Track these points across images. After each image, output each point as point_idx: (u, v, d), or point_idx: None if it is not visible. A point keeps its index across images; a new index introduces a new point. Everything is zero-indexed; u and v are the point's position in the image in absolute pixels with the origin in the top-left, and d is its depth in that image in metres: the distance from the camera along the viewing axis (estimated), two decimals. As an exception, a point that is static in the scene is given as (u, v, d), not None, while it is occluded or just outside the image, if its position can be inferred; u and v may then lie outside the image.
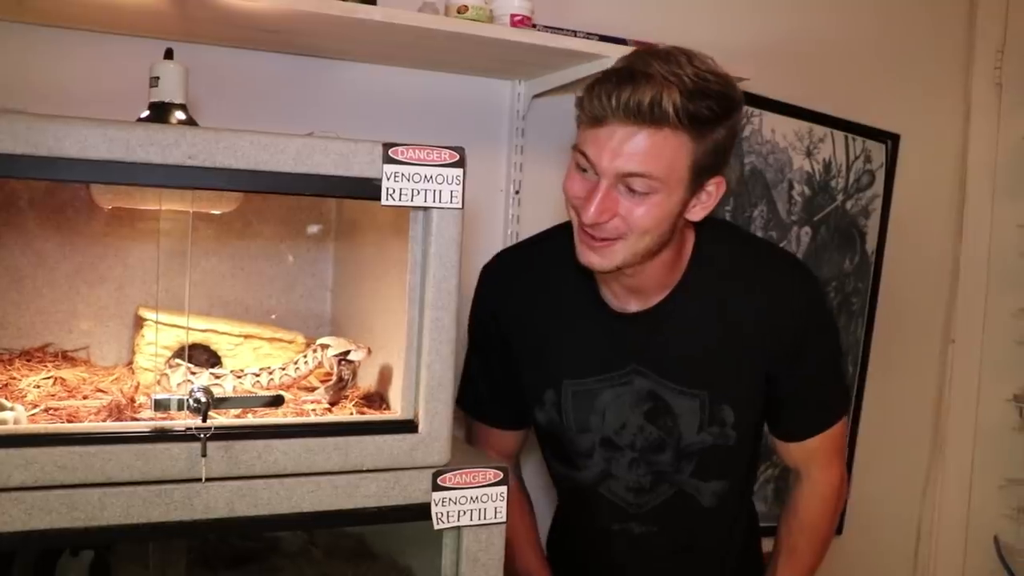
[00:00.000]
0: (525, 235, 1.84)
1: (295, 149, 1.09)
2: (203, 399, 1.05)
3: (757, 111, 2.13)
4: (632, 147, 1.19)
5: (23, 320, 1.44)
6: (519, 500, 1.56)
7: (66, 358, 1.44)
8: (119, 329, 1.48)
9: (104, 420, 1.13)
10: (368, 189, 1.13)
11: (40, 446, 1.01)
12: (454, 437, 1.22)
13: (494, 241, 1.89)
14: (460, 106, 1.85)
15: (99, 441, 1.04)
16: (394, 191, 1.13)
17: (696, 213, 1.29)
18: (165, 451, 1.06)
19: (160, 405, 1.06)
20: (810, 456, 1.48)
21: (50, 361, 1.41)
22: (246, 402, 1.13)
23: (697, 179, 1.24)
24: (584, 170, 1.26)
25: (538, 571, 1.57)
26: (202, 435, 1.05)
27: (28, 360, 1.41)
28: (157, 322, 1.34)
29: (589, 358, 1.41)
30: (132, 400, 1.19)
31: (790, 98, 2.19)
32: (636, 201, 1.22)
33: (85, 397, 1.25)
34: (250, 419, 1.16)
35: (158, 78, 1.26)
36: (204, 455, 1.04)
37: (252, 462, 1.10)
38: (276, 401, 1.12)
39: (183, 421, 1.08)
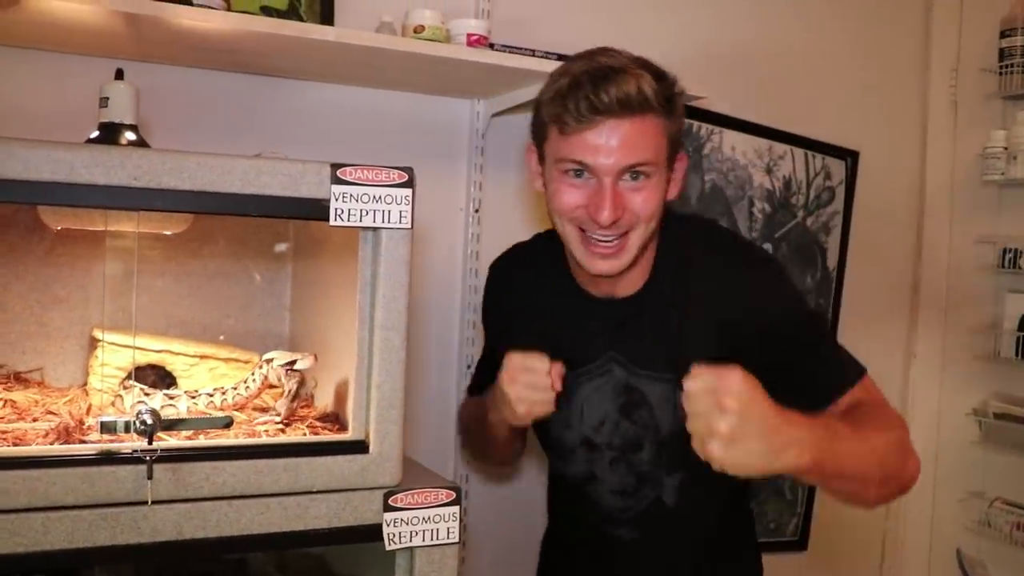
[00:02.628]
0: (485, 254, 1.86)
1: (242, 170, 1.09)
2: (149, 421, 1.05)
3: (717, 129, 2.15)
4: (628, 140, 1.22)
5: None
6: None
7: (19, 380, 1.43)
8: (74, 350, 1.47)
9: (52, 443, 1.12)
10: (317, 210, 1.13)
11: (-20, 470, 1.00)
12: (406, 457, 1.22)
13: (454, 260, 1.89)
14: (419, 125, 1.85)
15: (42, 465, 1.03)
16: (343, 212, 1.13)
17: (673, 190, 1.33)
18: (111, 474, 1.05)
19: (106, 427, 1.06)
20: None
21: (1, 383, 1.40)
22: (194, 424, 1.12)
23: (671, 157, 1.30)
24: (577, 176, 1.27)
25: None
26: (148, 457, 1.04)
27: None
28: (104, 341, 1.33)
29: (572, 350, 1.39)
30: (81, 422, 1.18)
31: (750, 116, 2.21)
32: (636, 190, 1.25)
33: (35, 419, 1.24)
34: (200, 441, 1.15)
35: (108, 98, 1.26)
36: (150, 477, 1.04)
37: (200, 484, 1.09)
38: (225, 423, 1.11)
39: (132, 444, 1.08)
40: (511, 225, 1.91)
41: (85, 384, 1.44)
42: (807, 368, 1.38)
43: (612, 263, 1.29)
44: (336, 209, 1.13)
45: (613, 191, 1.24)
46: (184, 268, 1.53)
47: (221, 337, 1.51)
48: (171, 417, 1.27)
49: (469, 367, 1.87)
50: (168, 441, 1.12)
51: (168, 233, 1.32)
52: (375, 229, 1.16)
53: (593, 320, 1.41)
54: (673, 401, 1.37)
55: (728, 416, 1.05)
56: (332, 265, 1.40)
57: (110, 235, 1.24)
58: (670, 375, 1.37)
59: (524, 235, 1.89)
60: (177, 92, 1.62)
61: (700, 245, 1.41)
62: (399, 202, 1.16)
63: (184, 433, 1.14)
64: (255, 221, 1.53)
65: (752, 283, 1.39)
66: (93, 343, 1.42)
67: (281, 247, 1.60)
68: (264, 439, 1.20)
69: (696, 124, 2.12)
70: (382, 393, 1.18)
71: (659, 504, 1.43)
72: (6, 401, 1.30)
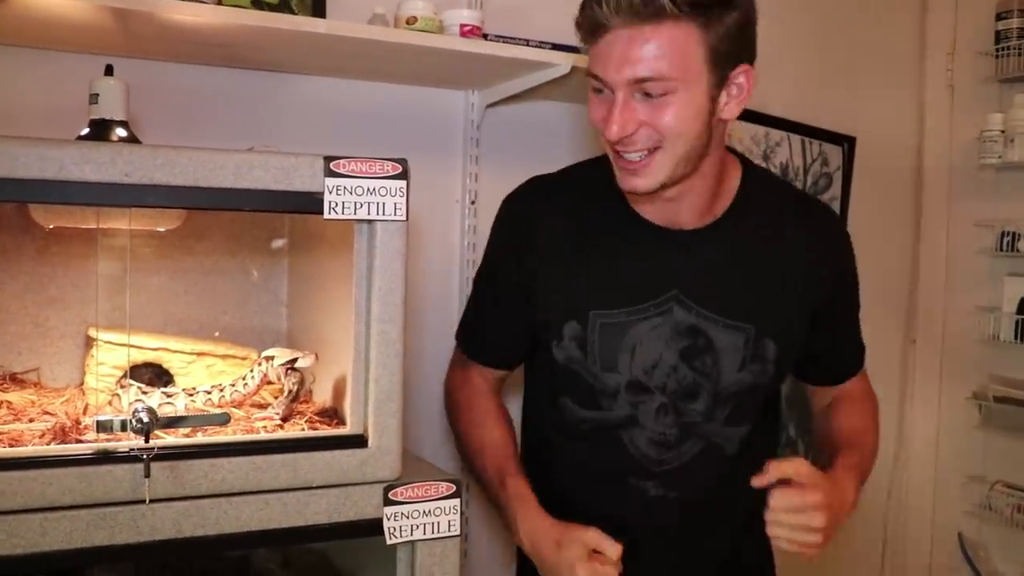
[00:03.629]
0: (482, 246, 1.83)
1: (234, 165, 1.08)
2: (145, 419, 1.04)
3: None
4: (636, 51, 1.12)
5: None
6: (497, 411, 1.45)
7: (15, 380, 1.42)
8: (70, 350, 1.46)
9: (49, 443, 1.11)
10: (310, 203, 1.12)
11: (-24, 472, 0.99)
12: (405, 451, 1.22)
13: (450, 252, 1.88)
14: (413, 117, 1.84)
15: (39, 465, 1.02)
16: (337, 205, 1.12)
17: (731, 109, 1.21)
18: (108, 473, 1.05)
19: (103, 426, 1.05)
20: (845, 392, 1.51)
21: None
22: (191, 421, 1.11)
23: (719, 71, 1.16)
24: (599, 91, 1.20)
25: (514, 475, 1.35)
26: (144, 456, 1.03)
27: None
28: (99, 340, 1.32)
29: (623, 286, 1.30)
30: (77, 422, 1.18)
31: (746, 103, 2.18)
32: (658, 106, 1.15)
33: (31, 420, 1.23)
34: (198, 438, 1.14)
35: (98, 95, 1.25)
36: (147, 476, 1.03)
37: (198, 482, 1.08)
38: (222, 419, 1.11)
39: (128, 442, 1.07)
40: None
41: (82, 384, 1.43)
42: (848, 337, 1.42)
43: (639, 181, 1.20)
44: (330, 202, 1.12)
45: (621, 105, 1.15)
46: (179, 265, 1.52)
47: (216, 334, 1.50)
48: (168, 415, 1.27)
49: None
50: (165, 439, 1.11)
51: (162, 230, 1.31)
52: (370, 222, 1.15)
53: (655, 251, 1.30)
54: (743, 353, 1.31)
55: (819, 532, 1.19)
56: (328, 259, 1.39)
57: (103, 233, 1.23)
58: (743, 323, 1.30)
59: None
60: (168, 88, 1.60)
61: (788, 189, 1.36)
62: (393, 194, 1.15)
63: (182, 431, 1.13)
64: (250, 216, 1.52)
65: (844, 238, 1.38)
66: (89, 342, 1.41)
67: (278, 243, 1.59)
68: (262, 435, 1.19)
69: None
70: (380, 387, 1.17)
71: (701, 460, 1.35)
72: (1, 402, 1.29)
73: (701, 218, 1.30)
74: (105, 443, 1.07)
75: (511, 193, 1.43)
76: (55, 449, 1.06)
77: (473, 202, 1.88)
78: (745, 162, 1.37)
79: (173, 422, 1.08)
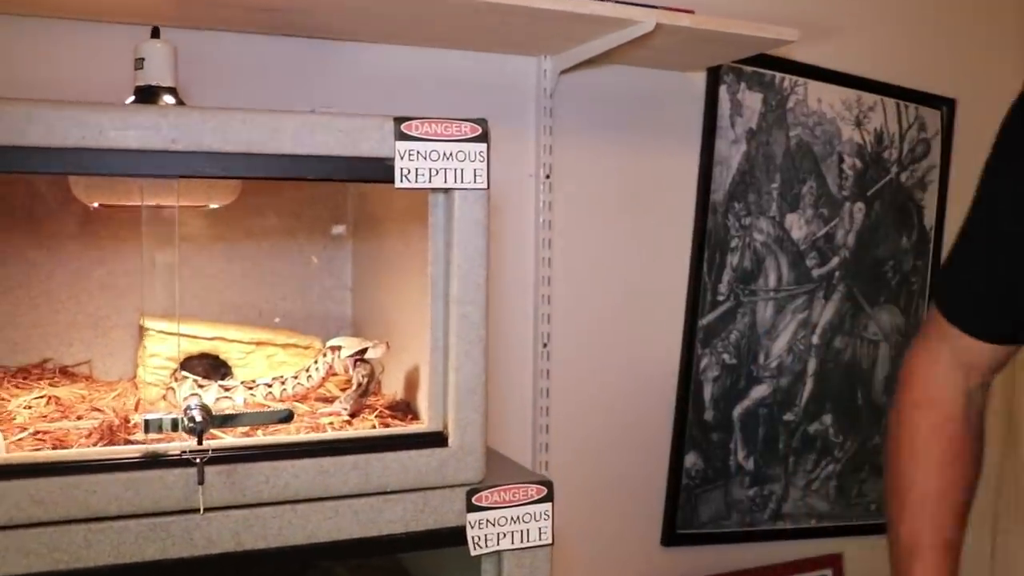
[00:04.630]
0: (559, 223, 1.72)
1: (294, 128, 0.95)
2: (199, 417, 0.91)
3: (802, 80, 1.98)
4: None
5: (18, 335, 1.34)
6: (958, 441, 1.06)
7: (65, 374, 1.33)
8: (123, 340, 1.37)
9: (95, 444, 1.00)
10: (379, 171, 0.99)
11: (12, 478, 0.88)
12: (489, 449, 1.08)
13: (524, 231, 1.74)
14: (481, 86, 1.70)
15: (82, 470, 0.90)
16: (409, 172, 0.99)
17: None
18: (158, 479, 0.93)
19: (151, 426, 0.93)
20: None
21: (48, 378, 1.32)
22: (250, 419, 0.99)
23: None
24: None
25: (932, 551, 1.04)
26: (198, 459, 0.91)
27: (24, 378, 1.31)
28: (151, 330, 1.20)
29: None
30: (127, 420, 1.06)
31: (836, 64, 2.03)
32: None
33: (79, 417, 1.13)
34: (259, 437, 1.02)
35: (143, 59, 1.13)
36: (201, 482, 0.91)
37: (259, 488, 0.96)
38: (284, 417, 0.98)
39: (180, 444, 0.95)
40: (586, 191, 1.78)
41: (135, 377, 1.32)
42: None
43: None
44: (402, 169, 0.99)
45: None
46: (235, 247, 1.43)
47: (276, 320, 1.39)
48: (225, 411, 1.15)
49: (545, 345, 1.73)
50: (222, 439, 0.99)
51: (215, 206, 1.19)
52: (447, 190, 1.02)
53: None
54: None
55: None
56: (398, 236, 1.26)
57: (150, 211, 1.11)
58: None
59: (601, 201, 1.79)
60: (219, 59, 1.48)
61: None
62: (473, 158, 1.01)
63: (240, 430, 1.01)
64: (311, 191, 1.42)
65: None
66: (141, 332, 1.31)
67: (338, 229, 1.47)
68: (329, 433, 1.06)
69: (778, 75, 1.96)
70: (461, 377, 1.04)
71: None
72: (49, 398, 1.19)
73: None
74: (155, 445, 0.95)
75: None
76: (99, 452, 0.94)
77: (548, 176, 1.73)
78: None
79: (229, 420, 0.96)
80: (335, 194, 1.43)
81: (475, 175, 1.02)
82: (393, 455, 1.02)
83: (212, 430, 0.95)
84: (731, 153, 1.89)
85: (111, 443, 1.00)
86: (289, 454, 0.98)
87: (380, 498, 1.01)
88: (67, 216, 1.27)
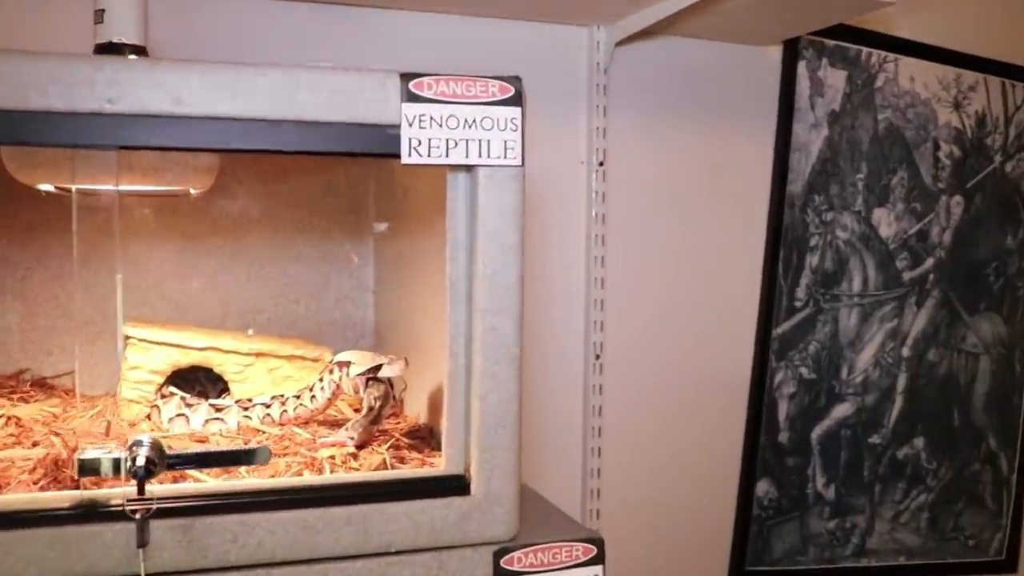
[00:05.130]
0: (614, 217, 1.56)
1: (270, 85, 0.74)
2: (141, 459, 0.70)
3: (892, 55, 1.79)
4: None
5: None
6: None
7: (43, 387, 1.18)
8: (110, 349, 1.20)
9: (38, 482, 0.80)
10: (381, 142, 0.78)
11: None
12: (525, 488, 0.86)
13: (574, 225, 1.54)
14: (524, 60, 1.51)
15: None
16: (420, 143, 0.77)
17: None
18: (94, 536, 0.72)
19: (86, 467, 0.72)
20: None
21: (22, 392, 1.16)
22: (211, 460, 0.78)
23: None
24: None
25: None
26: (139, 514, 0.70)
27: None
28: (133, 338, 1.01)
29: None
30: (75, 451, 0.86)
31: (932, 38, 1.84)
32: None
33: (35, 444, 0.94)
34: (222, 482, 0.81)
35: (103, 10, 0.92)
36: (142, 544, 0.70)
37: (224, 548, 0.75)
38: (259, 458, 0.77)
39: (126, 489, 0.74)
40: (644, 180, 1.58)
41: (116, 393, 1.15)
42: None
43: None
44: (410, 139, 0.77)
45: None
46: (240, 242, 1.28)
47: (250, 332, 1.23)
48: (212, 436, 0.97)
49: (598, 357, 1.53)
50: (183, 485, 0.78)
51: (193, 192, 0.99)
52: (469, 168, 0.80)
53: None
54: None
55: None
56: (425, 229, 1.06)
57: (113, 196, 0.91)
58: None
59: (661, 190, 1.62)
60: (213, 26, 1.29)
61: None
62: (503, 127, 0.79)
63: (203, 472, 0.80)
64: (324, 178, 1.26)
65: None
66: (125, 341, 1.12)
67: (380, 227, 1.31)
68: (314, 477, 0.85)
69: (865, 50, 1.77)
70: (488, 407, 0.82)
71: None
72: (8, 418, 1.01)
73: None
74: (95, 491, 0.75)
75: None
76: (21, 500, 0.74)
77: (601, 164, 1.53)
78: None
79: (183, 461, 0.74)
80: (354, 173, 1.26)
81: (505, 148, 0.80)
82: (400, 505, 0.80)
83: (162, 472, 0.73)
84: (811, 139, 1.72)
85: (55, 481, 0.80)
86: (265, 504, 0.76)
87: (382, 561, 0.79)
88: (48, 209, 1.10)
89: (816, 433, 1.78)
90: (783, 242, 1.69)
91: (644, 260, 1.59)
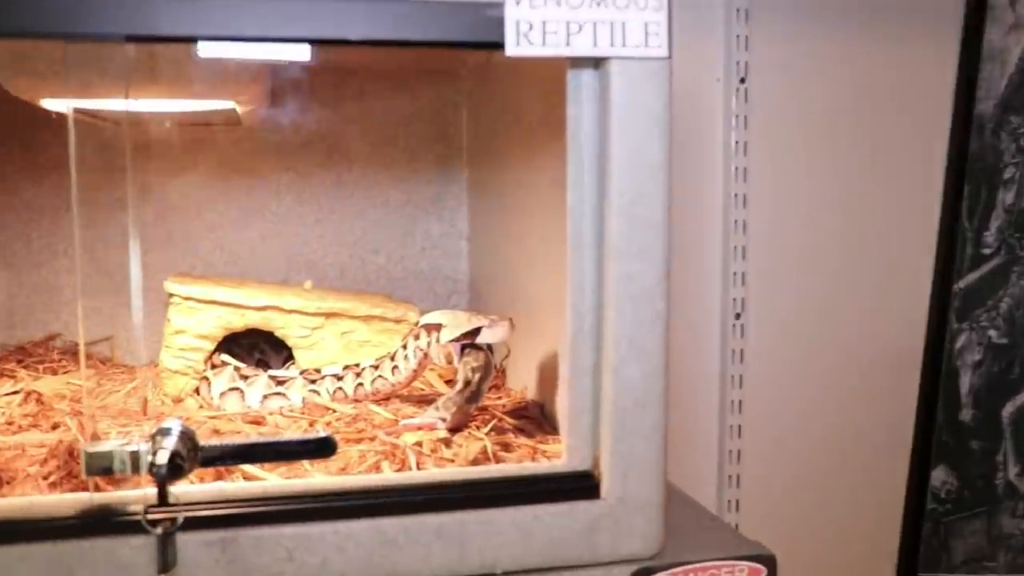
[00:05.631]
0: (756, 145, 1.43)
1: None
2: (163, 457, 0.53)
3: None
4: None
5: (16, 302, 1.08)
6: None
7: (76, 356, 1.07)
8: (155, 309, 1.08)
9: (48, 477, 0.66)
10: (481, 26, 0.59)
11: None
12: (673, 492, 0.68)
13: (707, 159, 1.38)
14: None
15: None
16: (530, 28, 0.59)
17: None
18: (107, 553, 0.56)
19: (95, 464, 0.55)
20: None
21: (53, 361, 1.04)
22: (255, 454, 0.60)
23: None
24: None
25: None
26: (159, 527, 0.53)
27: (20, 361, 1.09)
28: (177, 296, 0.85)
29: None
30: (96, 438, 0.72)
31: None
32: None
33: (55, 426, 0.81)
34: (275, 480, 0.64)
35: None
36: (164, 569, 0.52)
37: (277, 570, 0.58)
38: (325, 448, 0.59)
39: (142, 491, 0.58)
40: (795, 99, 1.40)
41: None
42: None
43: None
44: (518, 22, 0.58)
45: None
46: (306, 181, 1.15)
47: (307, 285, 1.08)
48: (274, 410, 0.83)
49: (738, 317, 1.38)
50: (207, 485, 0.61)
51: (240, 110, 0.82)
52: (597, 61, 0.62)
53: None
54: None
55: None
56: (533, 161, 0.88)
57: (142, 124, 0.74)
58: None
59: (815, 113, 1.46)
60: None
61: None
62: (642, 4, 0.61)
63: (247, 468, 0.64)
64: (404, 88, 1.12)
65: None
66: (168, 300, 0.98)
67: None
68: (402, 475, 0.67)
69: None
70: (623, 381, 0.65)
71: None
72: (28, 393, 0.88)
73: None
74: (110, 493, 0.58)
75: None
76: (14, 506, 0.58)
77: (743, 80, 1.37)
78: None
79: (218, 459, 0.57)
80: (444, 101, 1.11)
81: (647, 34, 0.61)
82: (507, 512, 0.63)
83: (195, 471, 0.56)
84: (1007, 44, 1.52)
85: (69, 477, 0.64)
86: (330, 511, 0.60)
87: (485, 586, 0.62)
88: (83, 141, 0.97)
89: (1008, 410, 1.61)
90: (969, 175, 1.52)
91: (794, 199, 1.43)
